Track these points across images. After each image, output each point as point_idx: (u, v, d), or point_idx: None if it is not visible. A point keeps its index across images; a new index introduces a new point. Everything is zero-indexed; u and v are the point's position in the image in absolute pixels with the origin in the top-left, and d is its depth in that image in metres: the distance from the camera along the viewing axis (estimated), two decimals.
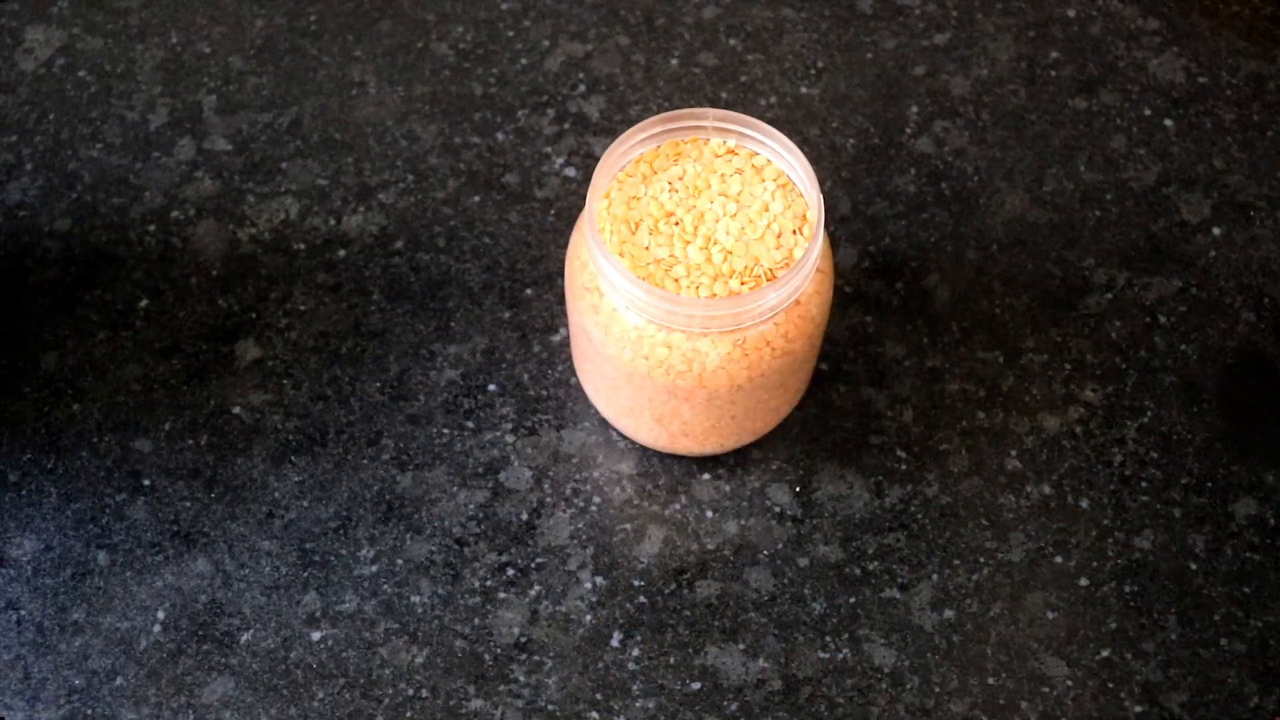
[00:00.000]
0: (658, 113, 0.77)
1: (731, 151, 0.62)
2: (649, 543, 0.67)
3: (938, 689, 0.64)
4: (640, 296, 0.59)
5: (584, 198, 0.74)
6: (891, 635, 0.65)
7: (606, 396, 0.66)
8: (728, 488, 0.68)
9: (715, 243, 0.60)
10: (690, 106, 0.77)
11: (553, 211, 0.75)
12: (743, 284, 0.60)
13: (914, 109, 0.77)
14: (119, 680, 0.64)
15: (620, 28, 0.80)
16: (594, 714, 0.64)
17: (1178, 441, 0.69)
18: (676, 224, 0.61)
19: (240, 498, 0.68)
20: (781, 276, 0.58)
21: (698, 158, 0.62)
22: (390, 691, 0.64)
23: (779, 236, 0.60)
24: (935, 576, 0.66)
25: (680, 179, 0.62)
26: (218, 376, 0.70)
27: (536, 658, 0.65)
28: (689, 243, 0.60)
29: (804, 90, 0.78)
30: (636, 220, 0.61)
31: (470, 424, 0.69)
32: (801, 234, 0.60)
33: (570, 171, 0.76)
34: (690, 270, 0.60)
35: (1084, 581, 0.66)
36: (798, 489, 0.68)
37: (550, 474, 0.68)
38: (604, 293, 0.60)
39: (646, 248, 0.60)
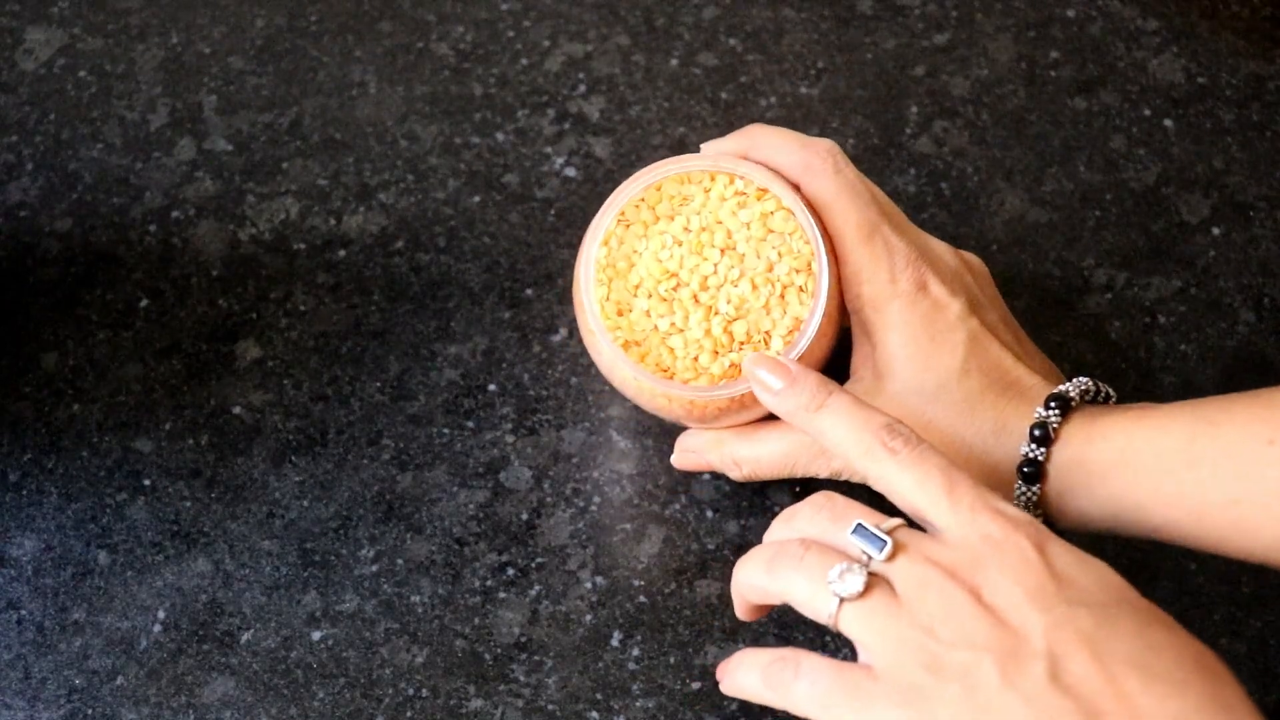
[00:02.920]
0: (658, 113, 0.77)
1: (740, 194, 0.61)
2: (649, 543, 0.67)
3: None
4: (632, 376, 0.59)
5: (584, 197, 0.74)
6: None
7: None
8: (728, 488, 0.68)
9: (716, 313, 0.59)
10: (691, 107, 0.77)
11: (553, 211, 0.75)
12: (741, 348, 0.59)
13: (914, 109, 0.77)
14: (119, 680, 0.64)
15: (620, 28, 0.80)
16: (594, 714, 0.64)
17: None
18: (675, 288, 0.60)
19: (240, 498, 0.68)
20: (779, 355, 0.58)
21: (703, 204, 0.61)
22: (390, 691, 0.64)
23: (782, 297, 0.60)
24: None
25: (686, 231, 0.60)
26: (218, 376, 0.70)
27: (536, 657, 0.65)
28: (689, 313, 0.59)
29: (804, 90, 0.78)
30: (636, 284, 0.60)
31: (470, 424, 0.69)
32: (806, 290, 0.59)
33: (570, 171, 0.76)
34: (688, 344, 0.59)
35: None
36: (797, 489, 0.68)
37: (550, 474, 0.68)
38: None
39: (646, 312, 0.60)
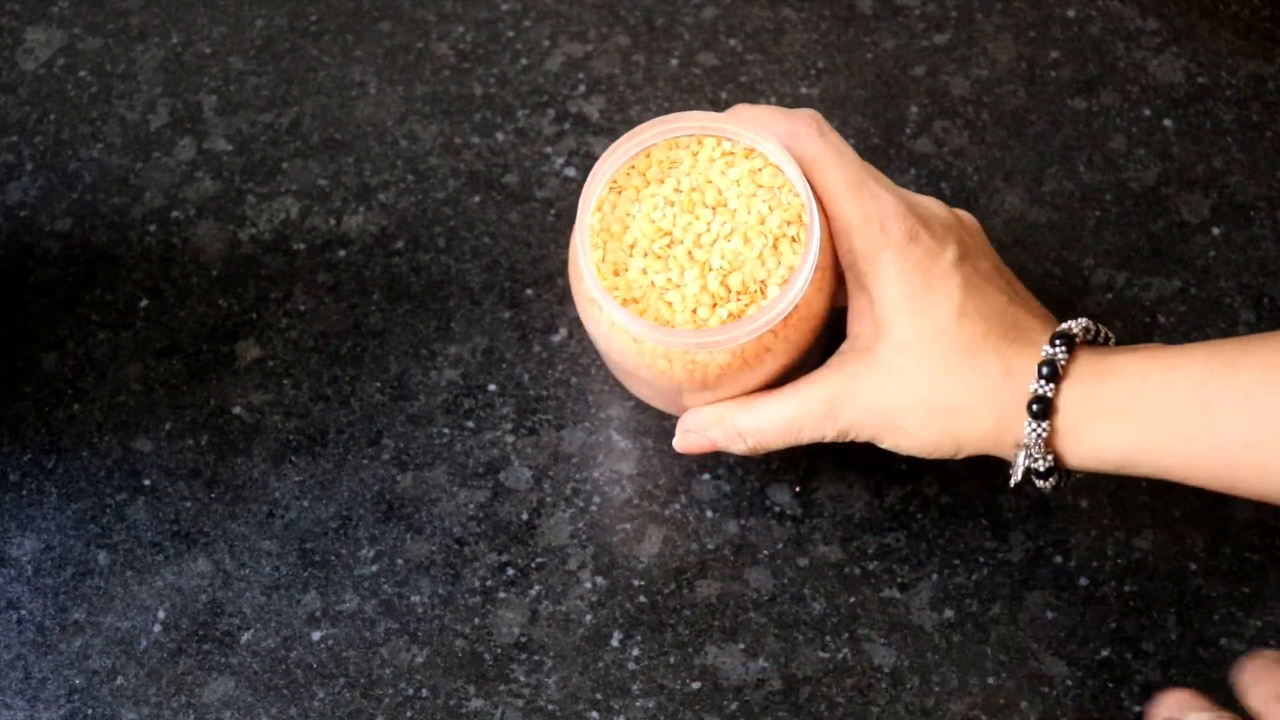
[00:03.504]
0: (658, 113, 0.77)
1: (728, 155, 0.61)
2: (649, 543, 0.67)
3: (938, 689, 0.64)
4: (633, 328, 0.59)
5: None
6: (891, 635, 0.65)
7: (619, 380, 0.66)
8: (728, 488, 0.68)
9: (710, 269, 0.60)
10: (690, 107, 0.77)
11: (553, 211, 0.75)
12: (739, 298, 0.59)
13: (914, 109, 0.77)
14: (119, 680, 0.64)
15: (620, 28, 0.80)
16: (594, 714, 0.64)
17: None
18: (670, 245, 0.60)
19: (240, 498, 0.68)
20: (769, 304, 0.58)
21: (692, 166, 0.61)
22: (390, 691, 0.64)
23: (775, 248, 0.60)
24: (935, 576, 0.66)
25: (677, 192, 0.61)
26: (218, 376, 0.70)
27: (536, 657, 0.65)
28: (685, 269, 0.60)
29: (804, 90, 0.78)
30: (630, 243, 0.60)
31: (470, 424, 0.69)
32: (798, 240, 0.60)
33: (570, 171, 0.76)
34: (686, 298, 0.59)
35: (1084, 581, 0.66)
36: (798, 489, 0.68)
37: (550, 474, 0.68)
38: (602, 306, 0.60)
39: (643, 271, 0.60)
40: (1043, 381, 0.58)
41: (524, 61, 0.79)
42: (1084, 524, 0.67)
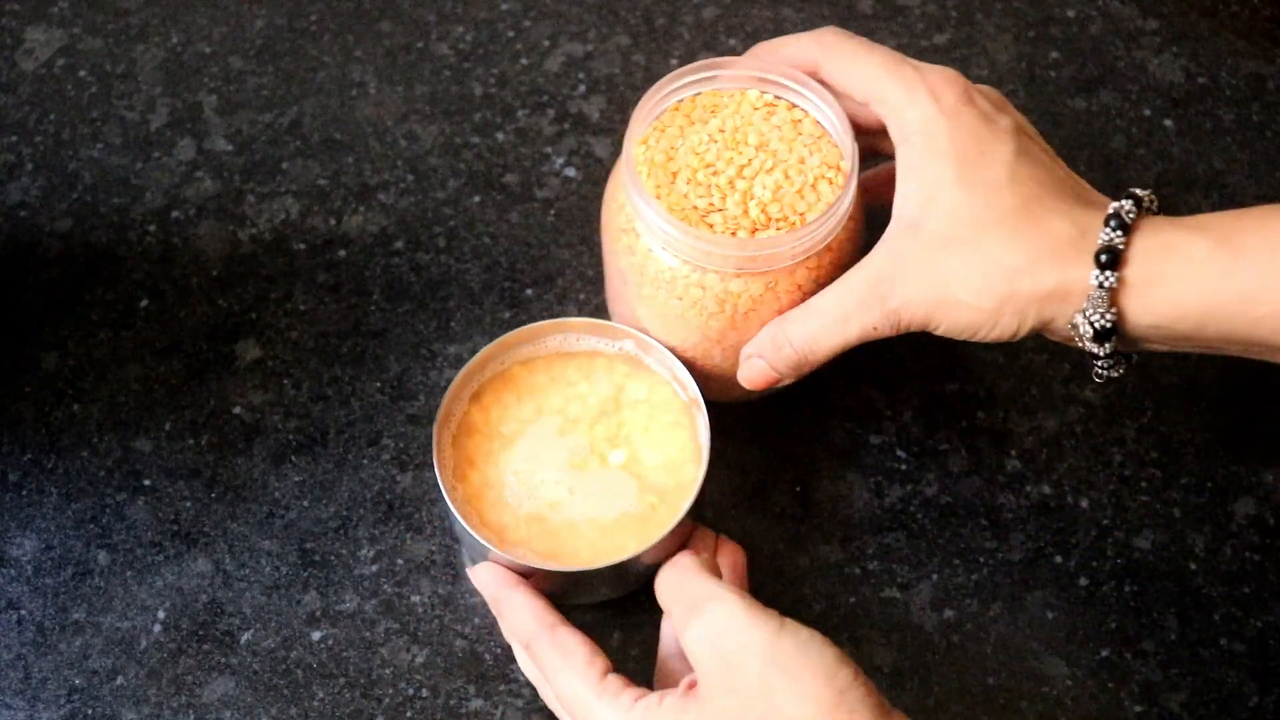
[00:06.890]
0: None
1: (770, 105, 0.63)
2: None
3: (937, 689, 0.64)
4: (676, 236, 0.59)
5: (584, 197, 0.75)
6: (891, 635, 0.65)
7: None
8: (727, 486, 0.68)
9: (753, 197, 0.61)
10: None
11: (553, 211, 0.75)
12: (778, 226, 0.60)
13: None
14: (119, 680, 0.64)
15: (620, 28, 0.80)
16: None
17: (1178, 441, 0.69)
18: (715, 174, 0.61)
19: (240, 497, 0.68)
20: (814, 222, 0.59)
21: (735, 110, 0.63)
22: (390, 691, 0.64)
23: (814, 187, 0.61)
24: (935, 576, 0.66)
25: (720, 132, 0.62)
26: (218, 376, 0.70)
27: None
28: (727, 195, 0.61)
29: None
30: (675, 170, 0.61)
31: None
32: (835, 183, 0.61)
33: (570, 171, 0.76)
34: (727, 219, 0.60)
35: (1084, 581, 0.66)
36: (798, 489, 0.68)
37: None
38: (640, 234, 0.61)
39: (685, 195, 0.61)
40: (1111, 230, 0.55)
41: (524, 61, 0.79)
42: (1084, 524, 0.67)
